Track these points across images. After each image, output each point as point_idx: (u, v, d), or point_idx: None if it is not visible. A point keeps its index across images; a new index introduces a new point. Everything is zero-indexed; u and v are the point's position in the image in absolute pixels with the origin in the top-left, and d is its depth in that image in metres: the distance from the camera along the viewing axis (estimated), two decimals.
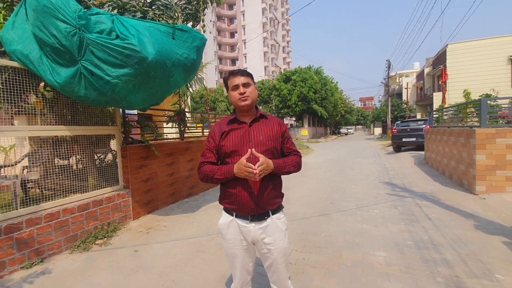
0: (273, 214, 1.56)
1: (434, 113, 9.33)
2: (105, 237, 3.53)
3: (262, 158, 1.42)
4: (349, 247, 3.12)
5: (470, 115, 6.44)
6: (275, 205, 1.56)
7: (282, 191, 1.65)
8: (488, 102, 5.35)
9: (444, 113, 8.10)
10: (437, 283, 2.35)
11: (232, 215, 1.56)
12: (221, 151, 1.56)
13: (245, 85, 1.53)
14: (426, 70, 26.15)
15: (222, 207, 1.64)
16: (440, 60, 21.34)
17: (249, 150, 1.44)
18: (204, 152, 1.62)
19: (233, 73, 1.57)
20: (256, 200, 1.49)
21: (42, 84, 3.13)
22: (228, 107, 31.22)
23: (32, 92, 3.15)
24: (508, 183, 4.89)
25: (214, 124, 1.66)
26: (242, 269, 1.61)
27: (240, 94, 1.51)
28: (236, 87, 1.53)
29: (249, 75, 1.58)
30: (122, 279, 2.62)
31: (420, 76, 29.21)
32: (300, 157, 1.66)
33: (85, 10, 2.76)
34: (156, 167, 4.77)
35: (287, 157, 1.60)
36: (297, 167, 1.61)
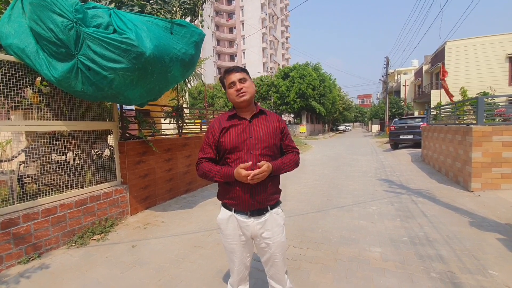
0: (271, 209, 1.58)
1: (432, 110, 9.37)
2: (102, 232, 3.53)
3: (264, 167, 1.43)
4: (346, 243, 3.15)
5: (467, 113, 6.48)
6: (273, 201, 1.59)
7: (280, 187, 1.66)
8: (485, 100, 5.39)
9: (442, 110, 8.13)
10: (431, 279, 2.39)
11: (231, 211, 1.57)
12: (221, 147, 1.56)
13: (241, 80, 1.53)
14: (425, 68, 26.20)
15: (219, 203, 1.65)
16: (438, 57, 21.37)
17: (250, 162, 1.46)
18: (203, 147, 1.62)
19: (228, 71, 1.57)
20: (255, 196, 1.50)
21: (38, 78, 3.10)
22: (226, 103, 31.12)
23: (28, 86, 3.12)
24: (503, 181, 4.94)
25: (213, 120, 1.65)
26: (240, 263, 1.62)
27: (237, 90, 1.51)
28: (232, 84, 1.53)
29: (244, 71, 1.59)
30: (120, 274, 2.63)
31: (418, 73, 29.25)
32: (298, 154, 1.69)
33: (82, 3, 2.74)
34: (154, 163, 4.77)
35: (285, 156, 1.62)
36: (295, 165, 1.64)
